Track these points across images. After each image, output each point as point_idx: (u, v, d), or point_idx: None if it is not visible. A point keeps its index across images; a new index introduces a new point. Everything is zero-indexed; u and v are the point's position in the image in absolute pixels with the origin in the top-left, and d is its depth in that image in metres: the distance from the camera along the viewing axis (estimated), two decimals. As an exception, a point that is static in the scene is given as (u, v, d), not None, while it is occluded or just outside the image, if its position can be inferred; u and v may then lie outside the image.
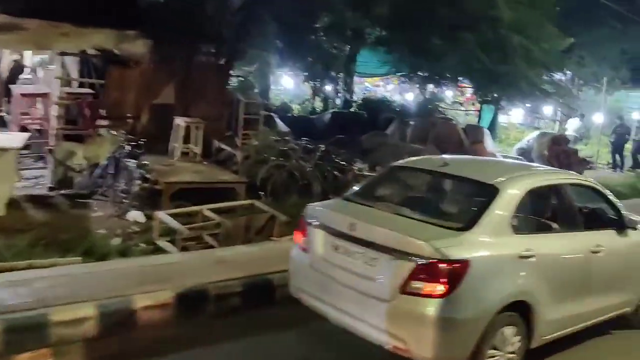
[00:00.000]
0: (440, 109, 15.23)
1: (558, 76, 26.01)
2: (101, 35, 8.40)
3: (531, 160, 13.25)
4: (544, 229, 4.53)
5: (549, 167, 6.72)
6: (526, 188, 4.31)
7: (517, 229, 4.12)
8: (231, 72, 13.27)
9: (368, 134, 12.47)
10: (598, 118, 20.85)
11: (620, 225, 4.96)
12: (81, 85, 9.75)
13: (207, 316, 4.89)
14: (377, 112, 15.67)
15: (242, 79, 13.87)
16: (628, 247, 5.02)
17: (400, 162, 5.05)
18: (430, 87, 14.38)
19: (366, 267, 3.94)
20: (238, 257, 5.83)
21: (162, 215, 6.68)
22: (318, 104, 17.49)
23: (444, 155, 5.01)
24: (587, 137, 21.81)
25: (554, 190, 4.69)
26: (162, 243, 6.63)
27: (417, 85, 13.56)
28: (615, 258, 4.87)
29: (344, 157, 9.11)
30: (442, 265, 3.63)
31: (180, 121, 8.77)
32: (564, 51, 20.44)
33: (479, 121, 14.50)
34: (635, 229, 5.01)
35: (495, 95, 12.48)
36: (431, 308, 3.63)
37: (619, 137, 18.14)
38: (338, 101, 17.47)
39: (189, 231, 6.33)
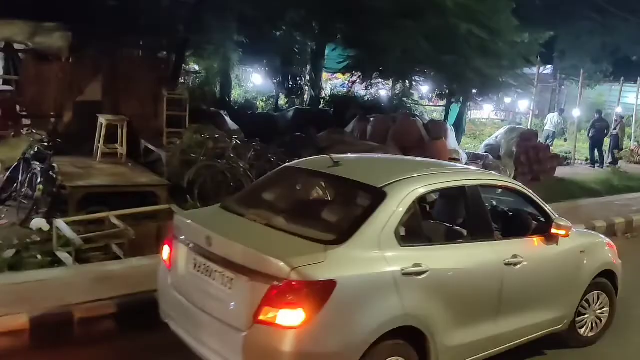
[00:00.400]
0: (409, 104, 14.58)
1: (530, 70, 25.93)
2: (13, 28, 7.74)
3: (498, 158, 12.63)
4: (444, 239, 3.89)
5: (462, 167, 6.02)
6: (420, 191, 3.63)
7: (406, 241, 3.44)
8: (183, 66, 12.63)
9: (326, 130, 11.83)
10: (577, 113, 20.21)
11: (548, 231, 4.32)
12: (6, 82, 9.08)
13: (70, 344, 4.23)
14: (344, 108, 15.05)
15: (197, 75, 13.19)
16: (557, 257, 4.37)
17: (293, 162, 4.39)
18: (392, 82, 13.74)
19: (223, 289, 3.29)
20: (128, 272, 5.19)
21: (59, 223, 6.02)
22: (286, 101, 16.83)
23: (342, 155, 4.31)
24: (566, 132, 21.21)
25: (460, 192, 3.98)
26: (62, 254, 5.98)
27: (366, 80, 12.92)
28: (540, 269, 4.22)
29: (280, 157, 8.43)
30: (300, 288, 2.99)
31: (102, 119, 8.10)
32: (544, 45, 20.11)
33: (445, 117, 13.85)
34: (566, 235, 4.37)
35: (446, 87, 11.81)
36: (286, 341, 2.98)
37: (598, 132, 17.53)
38: (306, 97, 16.84)
39: (82, 242, 5.66)
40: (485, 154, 12.65)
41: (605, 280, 4.85)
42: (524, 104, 21.27)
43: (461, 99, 13.14)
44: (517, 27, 9.65)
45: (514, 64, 11.12)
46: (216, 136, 8.42)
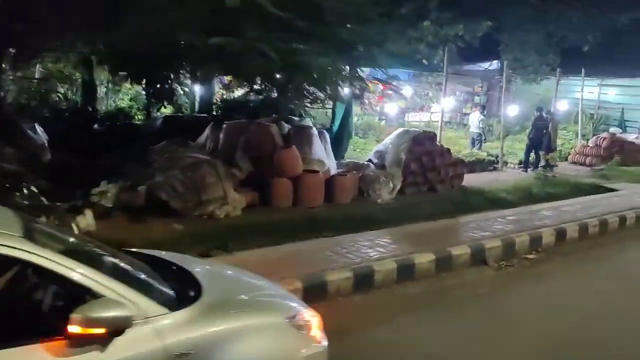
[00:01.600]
0: (296, 106, 12.53)
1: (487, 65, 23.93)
2: None
3: (383, 167, 10.59)
4: None
5: None
6: None
7: None
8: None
9: (165, 141, 9.81)
10: (512, 110, 18.24)
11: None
12: None
13: None
14: (234, 113, 13.04)
15: (36, 82, 11.18)
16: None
17: None
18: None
19: None
20: None
21: None
22: (173, 108, 14.77)
23: None
24: (491, 132, 19.27)
25: None
26: None
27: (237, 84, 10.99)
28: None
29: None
30: None
31: None
32: (483, 36, 18.17)
33: (332, 119, 11.84)
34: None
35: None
36: None
37: (538, 131, 15.52)
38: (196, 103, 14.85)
39: None
40: (366, 163, 10.61)
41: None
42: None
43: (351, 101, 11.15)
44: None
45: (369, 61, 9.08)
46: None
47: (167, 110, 14.80)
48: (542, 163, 15.47)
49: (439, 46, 17.69)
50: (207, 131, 10.41)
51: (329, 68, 7.44)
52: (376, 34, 7.94)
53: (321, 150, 9.72)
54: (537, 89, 21.33)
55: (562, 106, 19.38)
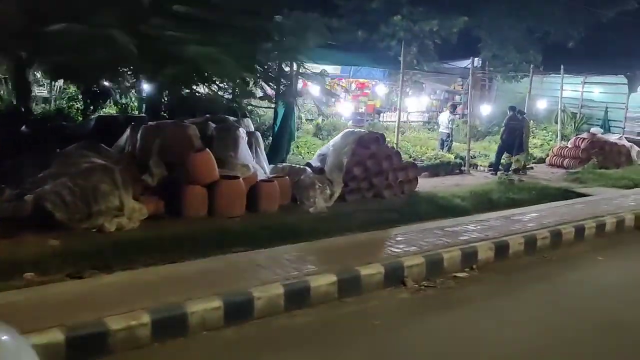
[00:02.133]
0: (242, 105, 11.57)
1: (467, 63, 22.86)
2: None
3: (322, 172, 9.64)
4: None
5: None
6: None
7: None
8: None
9: (74, 144, 8.90)
10: (486, 109, 17.26)
11: None
12: None
13: None
14: (184, 112, 12.07)
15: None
16: None
17: None
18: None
19: None
20: None
21: None
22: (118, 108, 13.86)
23: None
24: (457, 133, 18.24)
25: None
26: None
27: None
28: None
29: None
30: None
31: None
32: (461, 33, 17.18)
33: (274, 120, 10.89)
34: None
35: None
36: None
37: (511, 132, 14.59)
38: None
39: None
40: (303, 167, 9.66)
41: None
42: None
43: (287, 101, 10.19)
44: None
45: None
46: None
47: (112, 110, 13.91)
48: (514, 166, 14.53)
49: (412, 43, 16.68)
50: (126, 133, 9.49)
51: (219, 60, 6.40)
52: (294, 23, 6.97)
53: (248, 154, 8.80)
54: (519, 87, 20.29)
55: (541, 104, 18.37)
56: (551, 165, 16.36)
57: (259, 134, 9.53)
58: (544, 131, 19.31)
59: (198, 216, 7.90)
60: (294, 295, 5.37)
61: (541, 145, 17.97)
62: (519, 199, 10.76)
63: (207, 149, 7.99)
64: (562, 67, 17.14)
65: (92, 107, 12.79)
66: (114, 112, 13.77)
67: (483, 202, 10.22)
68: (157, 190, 8.10)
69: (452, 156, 14.40)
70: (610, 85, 19.67)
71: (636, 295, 6.37)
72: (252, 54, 7.28)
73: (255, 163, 8.96)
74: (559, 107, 17.67)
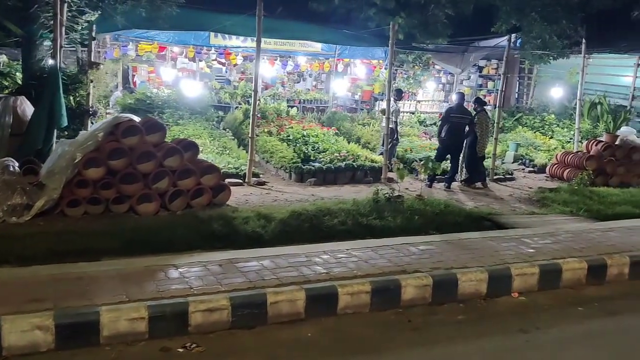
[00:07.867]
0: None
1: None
2: None
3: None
4: None
5: None
6: None
7: None
8: None
9: None
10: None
11: None
12: None
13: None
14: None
15: None
16: None
17: None
18: None
19: None
20: None
21: None
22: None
23: None
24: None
25: None
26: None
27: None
28: None
29: None
30: None
31: None
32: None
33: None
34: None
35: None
36: None
37: (455, 130, 10.41)
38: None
39: None
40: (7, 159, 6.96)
41: None
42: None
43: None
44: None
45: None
46: None
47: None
48: (462, 177, 10.51)
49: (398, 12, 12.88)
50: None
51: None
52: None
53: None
54: (549, 69, 15.44)
55: (556, 93, 13.62)
56: (551, 175, 11.83)
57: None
58: (565, 129, 14.45)
59: None
60: None
61: (555, 148, 13.29)
62: (377, 227, 7.19)
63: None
64: (583, 42, 12.34)
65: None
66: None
67: (302, 229, 6.84)
68: None
69: (382, 158, 10.69)
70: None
71: None
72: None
73: None
74: (579, 94, 12.80)
